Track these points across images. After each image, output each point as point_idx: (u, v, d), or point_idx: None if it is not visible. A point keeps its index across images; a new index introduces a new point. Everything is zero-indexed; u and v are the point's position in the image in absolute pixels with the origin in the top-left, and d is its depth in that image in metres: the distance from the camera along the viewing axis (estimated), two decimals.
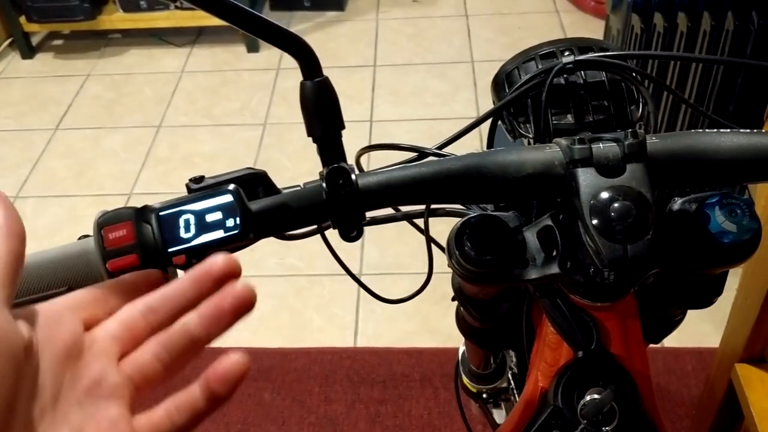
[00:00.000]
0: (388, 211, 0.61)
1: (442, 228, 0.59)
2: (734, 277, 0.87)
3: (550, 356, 0.57)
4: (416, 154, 0.60)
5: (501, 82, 0.61)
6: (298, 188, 0.50)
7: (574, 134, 0.53)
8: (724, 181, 0.51)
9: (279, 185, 0.52)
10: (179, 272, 0.48)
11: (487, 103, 2.46)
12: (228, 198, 0.48)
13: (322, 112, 0.49)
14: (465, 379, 0.99)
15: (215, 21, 0.56)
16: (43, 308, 0.38)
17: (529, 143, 0.59)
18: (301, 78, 0.50)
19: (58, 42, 3.07)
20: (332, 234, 0.55)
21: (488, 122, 0.62)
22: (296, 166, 2.35)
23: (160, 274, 0.46)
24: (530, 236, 0.53)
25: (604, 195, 0.47)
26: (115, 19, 2.87)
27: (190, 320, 0.40)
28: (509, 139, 0.61)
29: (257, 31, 0.48)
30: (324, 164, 0.50)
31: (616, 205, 0.46)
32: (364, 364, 1.78)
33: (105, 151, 2.49)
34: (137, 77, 2.82)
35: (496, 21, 2.94)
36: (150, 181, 2.35)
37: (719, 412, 1.24)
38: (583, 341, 0.55)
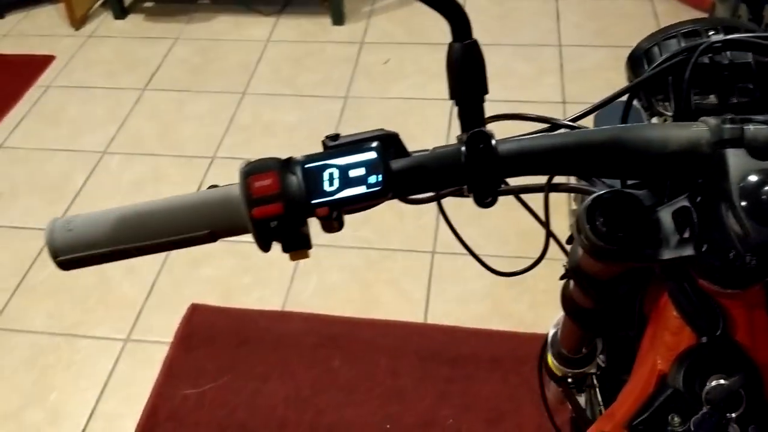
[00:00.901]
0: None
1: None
2: None
3: (671, 340, 0.57)
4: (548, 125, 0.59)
5: (639, 58, 0.60)
6: (434, 150, 0.51)
7: (717, 115, 0.52)
8: None
9: None
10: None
11: (574, 89, 2.41)
12: (372, 155, 0.48)
13: (467, 75, 0.49)
14: (552, 361, 0.98)
15: None
16: None
17: (665, 122, 0.58)
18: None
19: (149, 4, 3.14)
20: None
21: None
22: None
23: None
24: (665, 216, 0.52)
25: (755, 177, 0.46)
26: None
27: None
28: (643, 117, 0.59)
29: None
30: (464, 128, 0.50)
31: (767, 188, 0.45)
32: (433, 341, 1.79)
33: (189, 114, 2.55)
34: (224, 44, 2.87)
35: (586, 5, 2.87)
36: (232, 146, 2.39)
37: None
38: (708, 327, 0.54)
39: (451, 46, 0.50)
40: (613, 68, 2.53)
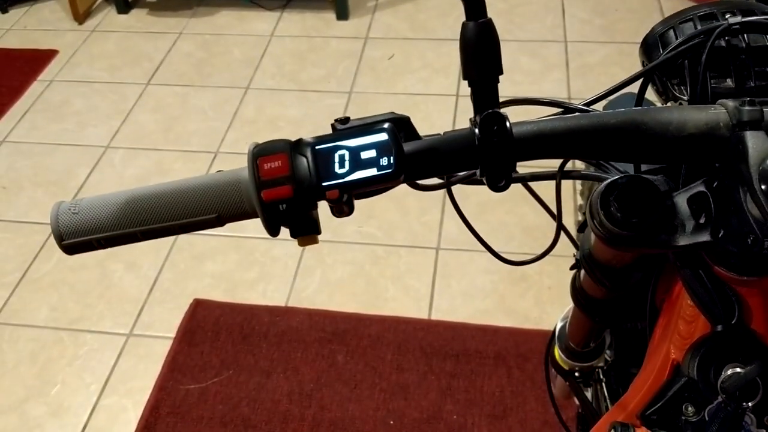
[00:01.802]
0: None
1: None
2: None
3: (685, 329, 0.56)
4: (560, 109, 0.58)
5: (654, 42, 0.59)
6: (446, 134, 0.50)
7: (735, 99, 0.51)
8: None
9: None
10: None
11: (579, 84, 2.40)
12: (384, 137, 0.47)
13: (481, 55, 0.48)
14: (559, 355, 0.98)
15: None
16: None
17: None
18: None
19: None
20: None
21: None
22: None
23: None
24: (680, 202, 0.51)
25: None
26: None
27: None
28: (658, 102, 0.58)
29: None
30: (477, 110, 0.49)
31: None
32: (437, 336, 1.78)
33: (193, 108, 2.54)
34: (227, 38, 2.86)
35: (592, 1, 2.85)
36: (236, 141, 2.39)
37: None
38: (724, 315, 0.53)
39: (464, 25, 0.48)
40: (618, 64, 2.52)
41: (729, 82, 0.55)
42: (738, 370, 0.51)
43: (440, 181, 0.65)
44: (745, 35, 0.55)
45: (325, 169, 0.47)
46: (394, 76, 2.58)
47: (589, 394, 1.12)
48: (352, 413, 1.63)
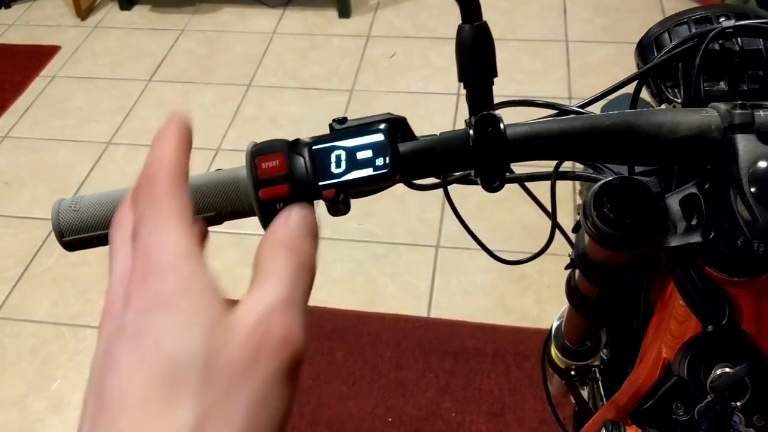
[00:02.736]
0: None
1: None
2: None
3: (677, 329, 0.56)
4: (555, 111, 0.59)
5: (648, 44, 0.59)
6: (442, 134, 0.50)
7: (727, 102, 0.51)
8: None
9: None
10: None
11: (580, 84, 2.40)
12: (380, 137, 0.48)
13: (477, 57, 0.49)
14: (555, 354, 0.98)
15: None
16: None
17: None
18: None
19: None
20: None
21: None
22: None
23: None
24: (672, 203, 0.52)
25: (765, 163, 0.45)
26: None
27: None
28: (652, 104, 0.59)
29: None
30: (472, 112, 0.50)
31: None
32: (436, 334, 1.79)
33: (195, 105, 2.55)
34: (229, 35, 2.87)
35: (594, 0, 2.86)
36: (237, 138, 2.39)
37: None
38: (714, 315, 0.54)
39: (460, 27, 0.49)
40: (619, 64, 2.52)
41: (722, 85, 0.56)
42: (727, 369, 0.51)
43: (437, 180, 0.65)
44: (738, 38, 0.56)
45: (321, 169, 0.47)
46: (395, 75, 2.59)
47: (585, 392, 1.13)
48: (351, 410, 1.64)
